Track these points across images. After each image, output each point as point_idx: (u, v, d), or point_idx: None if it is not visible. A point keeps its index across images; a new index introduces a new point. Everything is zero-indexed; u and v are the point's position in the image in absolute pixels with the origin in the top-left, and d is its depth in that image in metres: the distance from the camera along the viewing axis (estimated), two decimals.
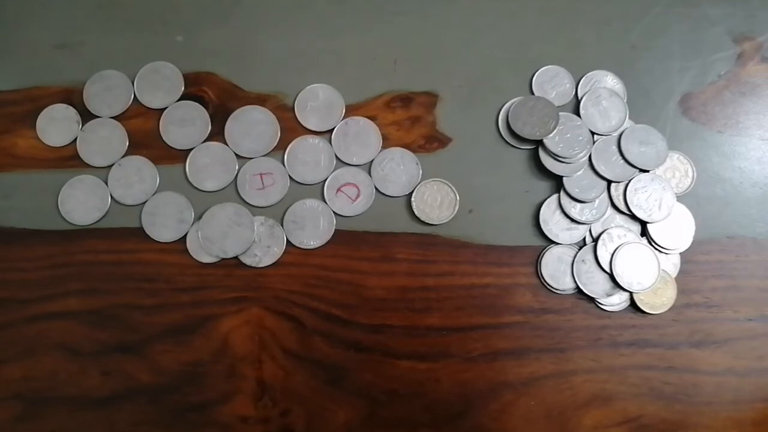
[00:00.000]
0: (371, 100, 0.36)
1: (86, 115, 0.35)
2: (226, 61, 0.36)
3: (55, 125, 0.35)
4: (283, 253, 0.34)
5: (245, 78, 0.36)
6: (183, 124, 0.35)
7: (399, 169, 0.34)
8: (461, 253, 0.34)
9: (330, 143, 0.35)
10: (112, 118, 0.35)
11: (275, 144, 0.35)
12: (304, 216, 0.34)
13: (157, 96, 0.35)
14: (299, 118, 0.35)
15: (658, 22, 0.37)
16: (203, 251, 0.33)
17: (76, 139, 0.35)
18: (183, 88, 0.35)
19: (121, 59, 0.36)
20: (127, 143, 0.35)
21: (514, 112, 0.35)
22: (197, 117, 0.35)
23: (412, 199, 0.34)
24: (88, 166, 0.35)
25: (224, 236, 0.33)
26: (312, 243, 0.34)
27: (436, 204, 0.34)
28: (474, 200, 0.35)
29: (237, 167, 0.34)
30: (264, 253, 0.34)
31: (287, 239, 0.34)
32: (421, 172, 0.34)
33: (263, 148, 0.35)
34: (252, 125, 0.35)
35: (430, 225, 0.34)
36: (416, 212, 0.34)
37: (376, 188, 0.34)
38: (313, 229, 0.34)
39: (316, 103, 0.35)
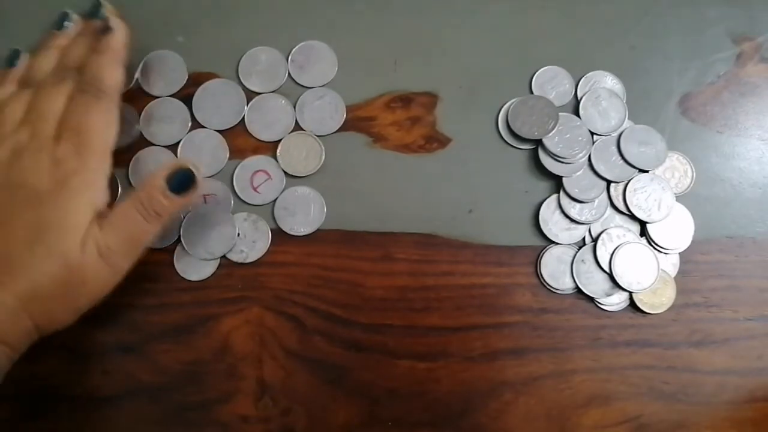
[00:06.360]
0: (371, 100, 0.36)
1: None
2: (226, 61, 0.36)
3: None
4: (277, 249, 0.34)
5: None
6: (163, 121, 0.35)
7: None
8: (461, 253, 0.34)
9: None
10: None
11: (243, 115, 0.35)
12: (295, 203, 0.34)
13: (158, 84, 0.36)
14: (244, 83, 0.35)
15: (658, 23, 0.37)
16: (189, 268, 0.33)
17: None
18: (185, 81, 0.36)
19: None
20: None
21: (513, 111, 0.35)
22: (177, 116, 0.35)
23: (278, 154, 0.34)
24: None
25: (207, 238, 0.33)
26: (303, 230, 0.34)
27: (302, 156, 0.34)
28: (474, 200, 0.35)
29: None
30: (250, 249, 0.34)
31: (279, 227, 0.34)
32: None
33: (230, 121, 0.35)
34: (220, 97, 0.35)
35: (299, 177, 0.34)
36: (282, 166, 0.34)
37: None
38: (303, 216, 0.34)
39: (260, 67, 0.36)
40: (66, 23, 0.33)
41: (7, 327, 0.27)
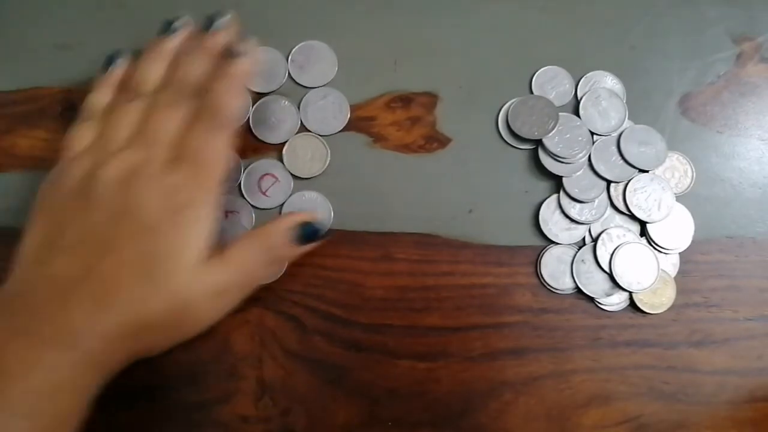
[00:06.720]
0: (371, 100, 0.36)
1: None
2: None
3: None
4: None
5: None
6: None
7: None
8: (461, 253, 0.34)
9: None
10: None
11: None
12: (302, 208, 0.34)
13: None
14: None
15: (658, 23, 0.37)
16: None
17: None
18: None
19: None
20: None
21: (513, 111, 0.35)
22: None
23: (284, 153, 0.34)
24: None
25: None
26: None
27: (307, 158, 0.34)
28: (474, 200, 0.35)
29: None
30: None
31: None
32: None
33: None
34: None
35: (304, 179, 0.34)
36: (288, 167, 0.34)
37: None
38: None
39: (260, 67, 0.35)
40: (175, 26, 0.30)
41: (104, 355, 0.26)
